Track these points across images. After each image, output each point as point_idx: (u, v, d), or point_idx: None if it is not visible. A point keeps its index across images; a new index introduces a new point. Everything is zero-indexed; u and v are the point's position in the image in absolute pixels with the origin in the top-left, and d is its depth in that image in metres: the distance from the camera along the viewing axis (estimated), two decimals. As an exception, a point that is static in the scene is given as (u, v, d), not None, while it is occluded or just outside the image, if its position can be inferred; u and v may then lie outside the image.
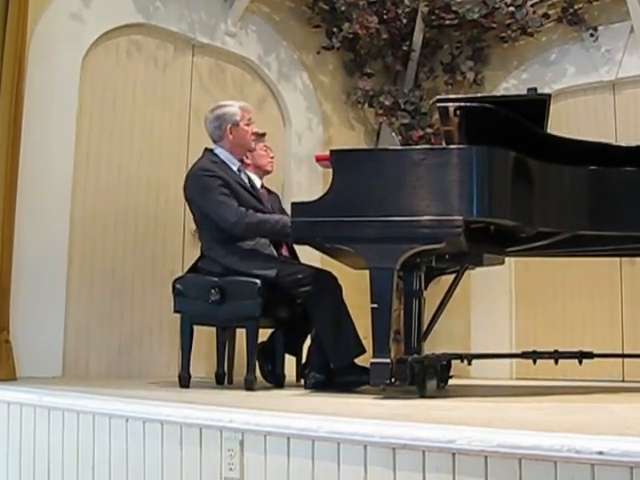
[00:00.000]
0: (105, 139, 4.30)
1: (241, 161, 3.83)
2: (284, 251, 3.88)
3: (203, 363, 4.03)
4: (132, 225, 4.39)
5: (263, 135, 4.14)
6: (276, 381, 3.59)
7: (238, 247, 3.47)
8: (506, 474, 1.74)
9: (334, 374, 3.41)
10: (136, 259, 4.38)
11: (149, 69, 4.56)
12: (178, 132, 4.63)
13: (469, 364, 3.73)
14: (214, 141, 3.66)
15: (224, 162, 3.59)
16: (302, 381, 3.61)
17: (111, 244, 4.27)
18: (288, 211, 3.36)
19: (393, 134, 5.54)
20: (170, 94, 4.63)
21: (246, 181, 3.66)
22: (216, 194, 3.45)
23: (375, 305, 2.82)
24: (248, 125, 3.64)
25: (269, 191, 4.20)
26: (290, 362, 3.74)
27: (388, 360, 2.77)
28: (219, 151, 3.63)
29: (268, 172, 4.20)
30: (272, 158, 4.19)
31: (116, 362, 4.21)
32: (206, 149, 3.67)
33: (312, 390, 3.35)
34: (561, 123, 4.83)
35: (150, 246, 4.45)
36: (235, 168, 3.62)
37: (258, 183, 4.06)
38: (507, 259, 3.77)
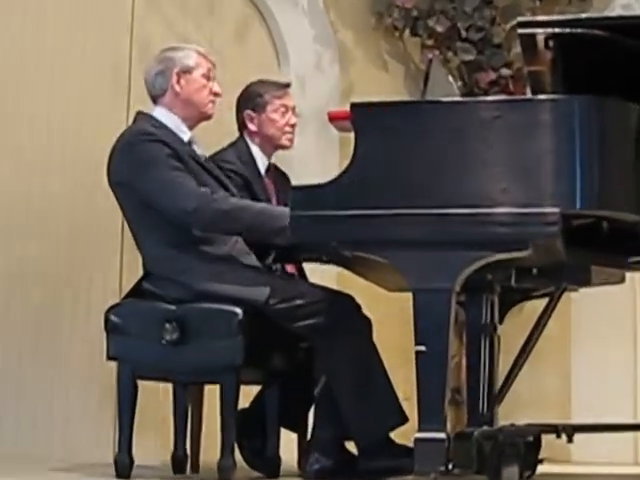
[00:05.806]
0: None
1: (244, 129, 4.01)
2: (289, 269, 3.92)
3: (152, 440, 4.05)
4: (41, 229, 4.42)
5: (286, 86, 4.15)
6: (267, 468, 3.59)
7: (204, 255, 3.47)
8: None
9: (358, 457, 3.43)
10: (46, 280, 4.40)
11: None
12: (113, 79, 4.66)
13: (569, 440, 3.71)
14: (154, 99, 3.69)
15: (168, 128, 3.60)
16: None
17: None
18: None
19: (449, 77, 5.57)
20: (100, 17, 4.64)
21: (200, 156, 3.65)
22: (164, 168, 3.44)
23: (422, 347, 2.82)
24: (207, 78, 3.67)
25: (280, 172, 4.17)
26: (288, 437, 3.77)
27: (443, 435, 2.77)
28: (159, 113, 3.65)
29: (283, 147, 4.15)
30: (292, 127, 4.09)
31: (26, 439, 4.21)
32: (139, 112, 3.70)
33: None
34: None
35: (64, 257, 4.46)
36: (185, 138, 3.62)
37: (263, 165, 4.05)
38: (629, 275, 3.75)
